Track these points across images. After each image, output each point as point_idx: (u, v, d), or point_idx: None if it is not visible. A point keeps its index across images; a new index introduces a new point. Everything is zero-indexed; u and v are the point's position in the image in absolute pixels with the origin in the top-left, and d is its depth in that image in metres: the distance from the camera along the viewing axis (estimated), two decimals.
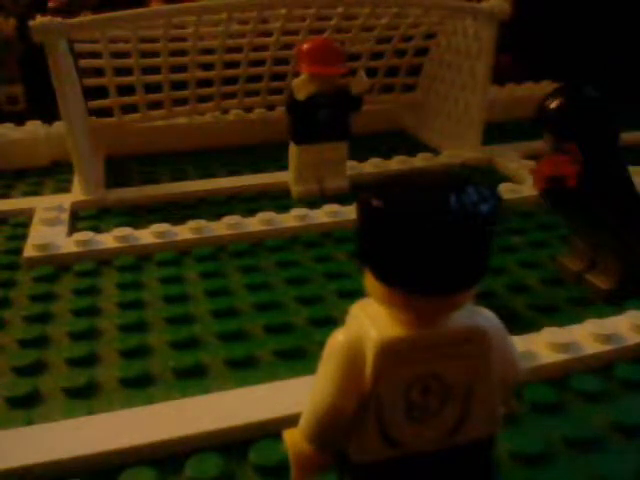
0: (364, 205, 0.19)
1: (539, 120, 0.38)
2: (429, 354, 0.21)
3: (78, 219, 0.54)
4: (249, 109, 0.73)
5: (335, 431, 0.22)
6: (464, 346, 0.21)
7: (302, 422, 0.23)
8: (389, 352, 0.20)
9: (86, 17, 0.53)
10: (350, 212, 0.53)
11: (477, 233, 0.19)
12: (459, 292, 0.19)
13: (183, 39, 0.62)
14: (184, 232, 0.49)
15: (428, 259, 0.18)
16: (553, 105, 0.37)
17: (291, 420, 0.31)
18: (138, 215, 0.55)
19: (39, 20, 0.49)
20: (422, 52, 0.73)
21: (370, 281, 0.20)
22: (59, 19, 0.50)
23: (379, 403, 0.21)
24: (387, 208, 0.18)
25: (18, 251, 0.48)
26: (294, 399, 0.32)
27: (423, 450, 0.22)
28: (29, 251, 0.47)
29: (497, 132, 0.73)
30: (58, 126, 0.67)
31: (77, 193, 0.57)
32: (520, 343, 0.35)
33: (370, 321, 0.21)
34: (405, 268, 0.19)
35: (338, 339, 0.21)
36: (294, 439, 0.23)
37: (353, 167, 0.62)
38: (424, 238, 0.18)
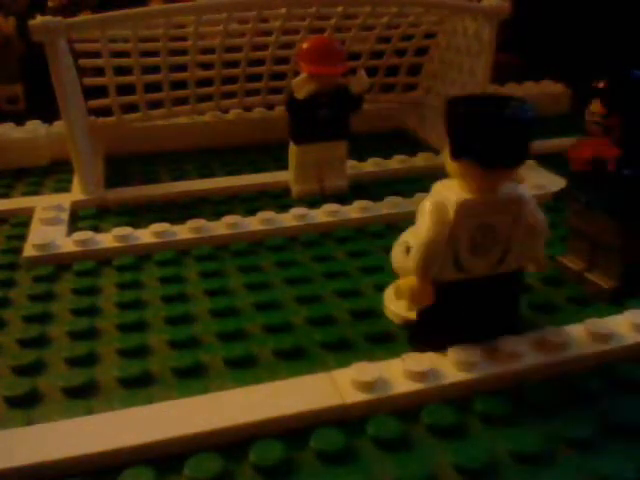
0: (455, 108, 0.31)
1: (595, 90, 0.40)
2: (488, 210, 0.32)
3: (78, 219, 0.54)
4: (249, 108, 0.73)
5: (434, 260, 0.32)
6: (510, 205, 0.33)
7: (412, 264, 0.33)
8: (463, 208, 0.32)
9: (86, 16, 0.53)
10: (350, 211, 0.53)
11: (522, 129, 0.31)
12: (510, 168, 0.32)
13: (183, 38, 0.62)
14: (184, 232, 0.49)
15: (495, 144, 0.30)
16: (607, 78, 0.40)
17: (290, 420, 0.31)
18: (138, 215, 0.55)
19: (39, 19, 0.49)
20: (422, 51, 0.73)
21: (451, 165, 0.32)
22: (59, 18, 0.50)
23: (455, 242, 0.32)
24: (468, 109, 0.31)
25: (18, 251, 0.48)
26: (293, 399, 0.32)
27: (479, 275, 0.34)
28: (29, 251, 0.47)
29: None
30: (58, 126, 0.67)
31: (77, 193, 0.57)
32: (520, 342, 0.35)
33: (449, 191, 0.32)
34: (480, 150, 0.30)
35: (427, 204, 0.33)
36: (407, 281, 0.33)
37: (353, 167, 0.62)
38: (492, 129, 0.30)
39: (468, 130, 0.31)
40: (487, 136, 0.30)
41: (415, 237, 0.33)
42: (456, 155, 0.31)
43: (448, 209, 0.32)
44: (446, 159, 0.32)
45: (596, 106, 0.39)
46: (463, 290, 0.34)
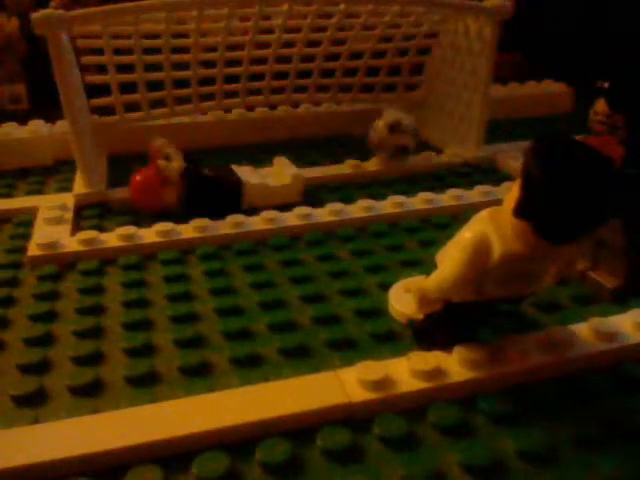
0: (543, 172, 0.27)
1: (601, 90, 0.41)
2: (533, 263, 0.30)
3: (82, 218, 0.54)
4: (251, 108, 0.73)
5: (454, 292, 0.32)
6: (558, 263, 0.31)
7: (430, 285, 0.33)
8: (508, 260, 0.29)
9: (87, 9, 0.53)
10: (353, 210, 0.53)
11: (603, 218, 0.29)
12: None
13: (185, 35, 0.62)
14: (188, 231, 0.49)
15: (570, 227, 0.28)
16: (611, 77, 0.40)
17: (296, 418, 0.31)
18: (141, 214, 0.55)
19: (41, 12, 0.49)
20: (424, 51, 0.73)
21: (510, 204, 0.28)
22: (61, 11, 0.50)
23: (485, 277, 0.30)
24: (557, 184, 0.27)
25: (22, 250, 0.48)
26: (299, 397, 0.32)
27: (494, 297, 0.32)
28: (33, 250, 0.47)
29: (499, 131, 0.73)
30: (61, 125, 0.67)
31: (79, 191, 0.57)
32: (523, 342, 0.35)
33: (497, 231, 0.29)
34: (552, 229, 0.28)
35: (468, 236, 0.30)
36: (422, 286, 0.33)
37: (354, 166, 0.62)
38: (576, 216, 0.27)
39: (548, 206, 0.27)
40: (566, 218, 0.27)
41: (444, 258, 0.32)
42: (520, 215, 0.28)
43: (489, 252, 0.29)
44: (509, 196, 0.29)
45: (600, 105, 0.39)
46: (474, 306, 0.33)
